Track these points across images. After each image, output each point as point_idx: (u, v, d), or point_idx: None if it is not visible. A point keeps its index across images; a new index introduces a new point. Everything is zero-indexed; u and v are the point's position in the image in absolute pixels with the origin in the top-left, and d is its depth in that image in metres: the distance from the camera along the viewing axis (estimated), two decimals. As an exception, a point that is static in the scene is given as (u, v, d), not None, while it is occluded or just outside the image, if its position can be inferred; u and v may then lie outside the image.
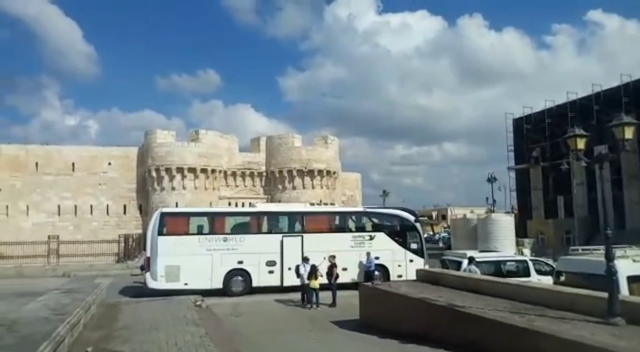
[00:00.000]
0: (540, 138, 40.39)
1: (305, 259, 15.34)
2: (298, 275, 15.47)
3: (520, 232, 35.02)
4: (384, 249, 18.33)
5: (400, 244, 18.68)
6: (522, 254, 24.96)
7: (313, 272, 14.50)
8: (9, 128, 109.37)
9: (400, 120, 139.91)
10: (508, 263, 16.43)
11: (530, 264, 16.37)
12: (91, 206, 35.93)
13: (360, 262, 17.70)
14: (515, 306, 8.39)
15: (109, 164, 36.69)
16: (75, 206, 35.58)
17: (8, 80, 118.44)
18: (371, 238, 18.50)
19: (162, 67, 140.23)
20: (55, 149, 36.75)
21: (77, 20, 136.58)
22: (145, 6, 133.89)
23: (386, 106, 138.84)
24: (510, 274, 15.06)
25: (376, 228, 18.99)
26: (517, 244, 30.07)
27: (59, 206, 35.29)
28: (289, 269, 16.94)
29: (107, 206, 36.26)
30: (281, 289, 16.86)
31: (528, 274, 15.47)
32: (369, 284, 12.98)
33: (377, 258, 17.81)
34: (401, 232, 19.08)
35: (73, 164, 35.85)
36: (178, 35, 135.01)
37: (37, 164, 35.22)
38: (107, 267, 25.33)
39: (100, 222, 35.75)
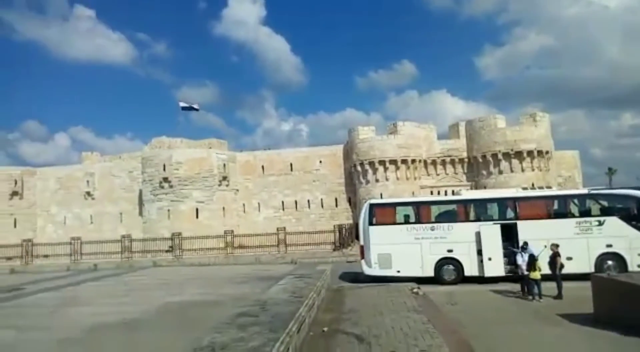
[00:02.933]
0: None
1: (523, 248, 14.42)
2: (515, 265, 14.64)
3: None
4: (618, 235, 15.97)
5: (639, 229, 16.05)
6: None
7: (532, 262, 13.54)
8: (240, 138, 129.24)
9: (627, 85, 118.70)
10: None
11: None
12: (308, 201, 40.01)
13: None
14: None
15: (320, 162, 40.29)
16: (295, 201, 40.09)
17: (237, 97, 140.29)
18: (600, 223, 16.30)
19: (360, 67, 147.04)
20: (276, 153, 42.04)
21: (285, 36, 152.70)
22: (345, 11, 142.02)
23: (607, 70, 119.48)
24: None
25: (606, 212, 16.64)
26: None
27: (282, 202, 40.25)
28: (506, 258, 16.16)
29: (322, 200, 39.90)
30: (495, 279, 16.19)
31: None
32: (604, 275, 11.51)
33: (609, 246, 15.68)
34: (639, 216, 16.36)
35: (291, 165, 40.50)
36: (374, 31, 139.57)
37: (263, 167, 40.80)
38: (326, 255, 27.85)
39: (317, 215, 39.54)
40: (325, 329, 8.72)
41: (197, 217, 35.92)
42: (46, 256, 32.22)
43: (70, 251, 30.74)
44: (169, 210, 35.76)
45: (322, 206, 39.98)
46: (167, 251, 30.83)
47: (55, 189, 42.43)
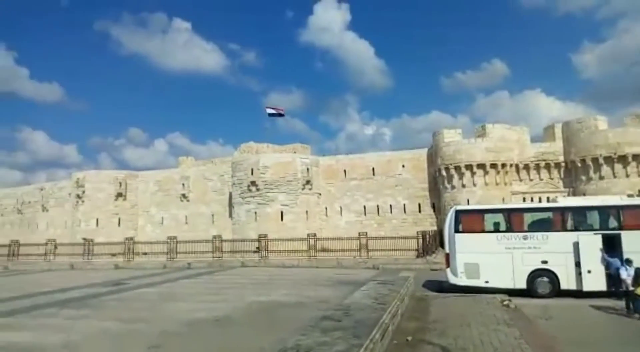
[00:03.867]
0: None
1: (627, 261, 13.20)
2: (619, 279, 13.42)
3: None
4: None
5: None
6: None
7: (638, 276, 12.33)
8: (323, 143, 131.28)
9: None
10: None
11: None
12: (390, 206, 39.60)
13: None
14: None
15: (403, 166, 39.74)
16: (378, 206, 39.87)
17: (321, 102, 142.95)
18: None
19: (446, 68, 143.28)
20: (358, 157, 42.13)
21: (369, 40, 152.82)
22: (431, 11, 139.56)
23: None
24: None
25: None
26: None
27: (364, 207, 40.22)
28: (607, 271, 14.87)
29: (404, 205, 39.31)
30: (595, 294, 14.93)
31: None
32: None
33: None
34: None
35: (373, 169, 40.37)
36: (461, 30, 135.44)
37: (345, 171, 41.07)
38: (408, 262, 27.35)
39: (399, 220, 39.02)
40: (410, 338, 8.59)
41: (281, 219, 36.99)
42: (145, 254, 34.86)
43: (167, 250, 33.02)
44: (256, 212, 37.18)
45: (405, 211, 39.36)
46: (254, 252, 32.05)
47: (154, 191, 45.81)
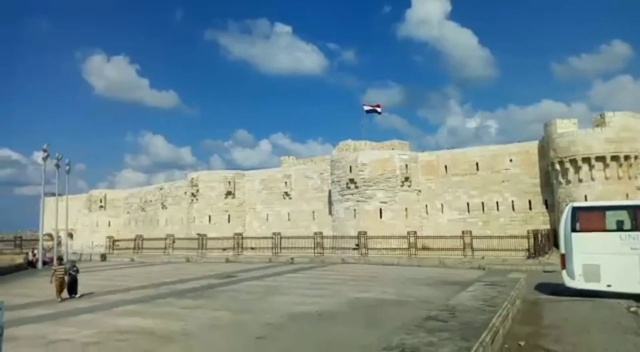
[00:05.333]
0: None
1: None
2: None
3: None
4: None
5: None
6: None
7: None
8: (422, 138, 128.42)
9: None
10: None
11: None
12: (497, 203, 37.51)
13: None
14: None
15: (510, 160, 37.41)
16: (482, 203, 37.97)
17: (420, 97, 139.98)
18: None
19: (558, 53, 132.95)
20: (460, 152, 40.46)
21: (472, 29, 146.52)
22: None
23: None
24: None
25: None
26: None
27: (467, 204, 38.53)
28: None
29: (512, 202, 36.99)
30: None
31: None
32: None
33: None
34: None
35: (477, 164, 38.50)
36: (574, 12, 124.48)
37: (446, 167, 39.69)
38: (518, 262, 25.71)
39: (506, 218, 36.82)
40: (522, 343, 8.05)
41: (380, 217, 36.77)
42: (252, 248, 36.77)
43: (272, 245, 34.49)
44: (354, 210, 37.39)
45: (513, 209, 37.03)
46: (353, 249, 32.28)
47: (259, 190, 48.06)
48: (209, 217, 46.70)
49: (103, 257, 39.33)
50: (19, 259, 36.06)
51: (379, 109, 47.06)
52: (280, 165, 56.16)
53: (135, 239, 42.52)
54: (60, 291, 16.59)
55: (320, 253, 32.60)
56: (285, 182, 46.04)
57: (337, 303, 14.67)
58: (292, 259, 31.62)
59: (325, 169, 43.26)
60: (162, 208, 54.84)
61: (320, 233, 34.24)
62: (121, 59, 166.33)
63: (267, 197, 47.43)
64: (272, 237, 34.93)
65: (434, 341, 5.92)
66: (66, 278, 16.87)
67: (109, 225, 60.15)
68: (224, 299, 16.25)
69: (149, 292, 18.21)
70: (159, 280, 22.57)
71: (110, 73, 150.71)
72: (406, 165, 37.91)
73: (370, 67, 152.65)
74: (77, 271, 17.69)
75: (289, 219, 45.42)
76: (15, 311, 13.59)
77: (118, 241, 45.73)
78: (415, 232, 31.42)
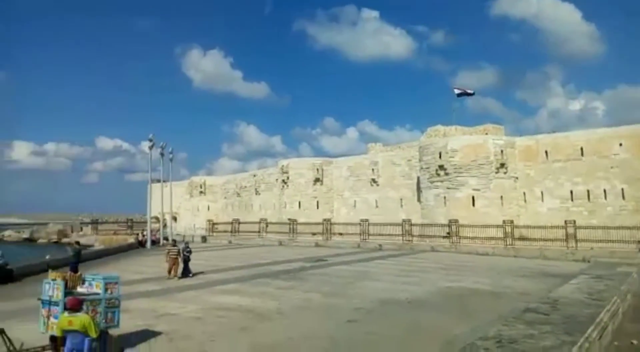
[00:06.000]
0: None
1: None
2: None
3: None
4: None
5: None
6: None
7: None
8: (519, 122, 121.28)
9: None
10: None
11: None
12: (604, 191, 34.39)
13: None
14: None
15: (620, 145, 33.98)
16: (588, 191, 35.01)
17: (517, 78, 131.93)
18: None
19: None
20: (562, 136, 37.51)
21: (573, 3, 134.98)
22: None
23: None
24: None
25: None
26: None
27: (571, 192, 35.74)
28: None
29: (622, 190, 33.67)
30: None
31: None
32: None
33: None
34: None
35: (581, 149, 35.45)
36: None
37: (546, 152, 37.03)
38: (629, 255, 23.48)
39: (615, 208, 33.64)
40: (635, 341, 7.41)
41: (473, 205, 35.37)
42: (340, 234, 37.29)
43: (360, 231, 34.71)
44: (445, 197, 36.32)
45: (623, 197, 33.70)
46: (444, 237, 31.50)
47: (347, 176, 48.40)
48: (299, 203, 47.97)
49: (204, 239, 42.08)
50: (131, 239, 39.82)
51: (470, 91, 45.03)
52: (367, 153, 56.02)
53: (232, 223, 45.03)
54: (173, 270, 17.65)
55: (409, 240, 32.23)
56: (373, 169, 45.88)
57: (427, 291, 14.48)
58: (380, 245, 31.61)
59: (413, 155, 42.43)
60: (256, 194, 57.29)
61: (409, 220, 33.81)
62: (216, 53, 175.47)
63: (354, 184, 47.62)
64: (359, 224, 35.15)
65: (534, 334, 5.65)
66: (179, 259, 17.97)
67: (208, 209, 64.15)
68: (314, 281, 16.71)
69: (245, 273, 19.25)
70: (254, 261, 23.74)
71: (206, 66, 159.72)
72: (501, 151, 35.98)
73: (462, 48, 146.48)
74: (190, 252, 18.71)
75: (376, 206, 45.28)
76: (129, 286, 15.04)
77: (217, 224, 48.73)
78: (511, 221, 29.92)
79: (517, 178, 37.00)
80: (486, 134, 45.81)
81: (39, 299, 7.98)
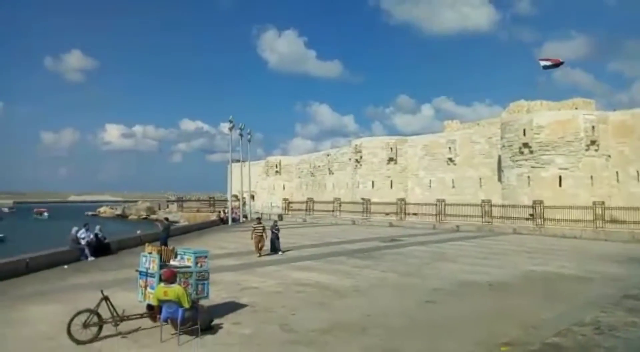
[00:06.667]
0: None
1: None
2: None
3: None
4: None
5: None
6: None
7: None
8: (611, 96, 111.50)
9: None
10: None
11: None
12: None
13: None
14: None
15: None
16: (694, 171, 31.68)
17: (612, 47, 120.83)
18: None
19: None
20: (665, 109, 34.02)
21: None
22: None
23: None
24: None
25: None
26: None
27: (672, 171, 32.53)
28: None
29: None
30: None
31: None
32: None
33: None
34: None
35: (688, 124, 32.04)
36: None
37: (644, 127, 33.87)
38: None
39: None
40: None
41: (559, 185, 33.28)
42: (415, 214, 36.78)
43: (435, 212, 34.00)
44: (528, 176, 34.48)
45: None
46: (527, 219, 30.05)
47: (421, 156, 47.37)
48: (372, 182, 47.79)
49: (280, 217, 43.36)
50: (213, 217, 41.95)
51: (560, 62, 41.90)
52: (444, 131, 54.32)
53: (306, 202, 45.94)
54: (259, 248, 17.71)
55: (489, 222, 31.11)
56: (449, 148, 44.49)
57: (509, 274, 13.96)
58: (457, 226, 30.82)
59: (494, 133, 40.54)
60: (329, 173, 57.83)
61: (489, 201, 32.56)
62: (291, 33, 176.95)
63: (429, 163, 46.53)
64: (435, 204, 34.42)
65: (636, 322, 5.27)
66: (264, 236, 17.91)
67: (283, 188, 65.86)
68: (390, 261, 16.69)
69: (321, 251, 19.64)
70: (329, 240, 24.13)
71: (281, 47, 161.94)
72: (592, 127, 33.35)
73: (549, 16, 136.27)
74: (278, 230, 18.89)
75: (452, 186, 44.02)
76: (213, 260, 15.78)
77: (292, 203, 49.95)
78: (602, 203, 27.87)
79: (609, 156, 34.31)
80: (575, 108, 42.67)
81: (136, 270, 8.67)
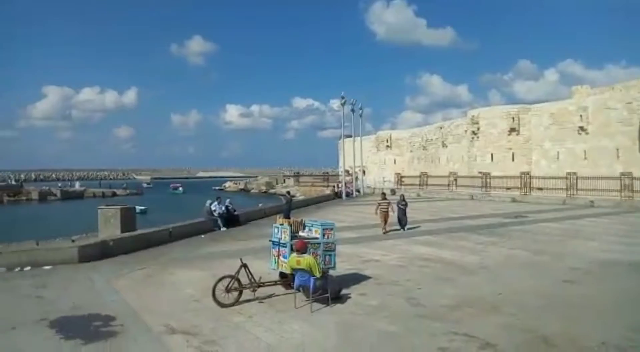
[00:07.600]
0: None
1: None
2: None
3: None
4: None
5: None
6: None
7: None
8: None
9: None
10: None
11: None
12: None
13: None
14: None
15: None
16: None
17: None
18: None
19: None
20: None
21: None
22: None
23: None
24: None
25: None
26: None
27: None
28: None
29: None
30: None
31: None
32: None
33: None
34: None
35: None
36: None
37: None
38: None
39: None
40: None
41: None
42: (540, 189, 34.19)
43: (565, 186, 31.29)
44: (680, 145, 30.10)
45: None
46: (678, 194, 26.39)
47: (547, 125, 43.50)
48: (491, 155, 45.16)
49: (392, 191, 43.09)
50: (327, 191, 43.04)
51: None
52: (572, 97, 49.19)
53: (420, 176, 45.07)
54: (385, 223, 17.07)
55: (629, 197, 27.91)
56: (581, 116, 40.23)
57: (660, 255, 12.44)
58: (591, 202, 28.08)
59: (634, 97, 35.81)
60: (443, 146, 55.83)
61: (629, 174, 29.12)
62: (399, 2, 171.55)
63: (556, 133, 42.59)
64: (565, 178, 31.69)
65: None
66: (390, 212, 17.18)
67: (395, 163, 65.16)
68: (517, 238, 15.78)
69: (440, 225, 19.19)
70: (447, 215, 23.48)
71: (389, 18, 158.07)
72: None
73: None
74: (406, 205, 18.11)
75: (584, 158, 39.93)
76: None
77: (404, 177, 49.33)
78: None
79: None
80: None
81: (270, 240, 9.22)
